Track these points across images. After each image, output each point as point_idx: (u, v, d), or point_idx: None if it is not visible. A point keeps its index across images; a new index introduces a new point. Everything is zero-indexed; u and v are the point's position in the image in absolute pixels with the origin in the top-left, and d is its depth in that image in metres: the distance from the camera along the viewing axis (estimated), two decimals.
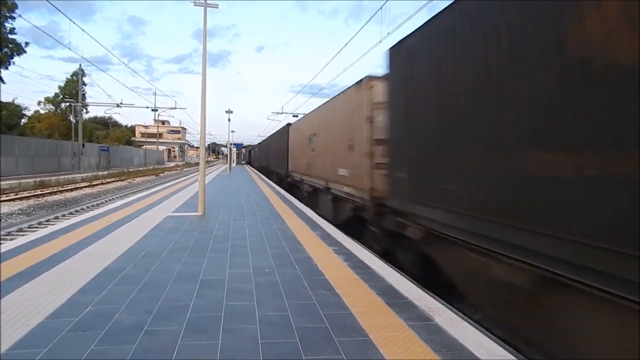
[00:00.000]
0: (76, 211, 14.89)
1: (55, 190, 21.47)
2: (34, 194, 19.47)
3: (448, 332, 3.17)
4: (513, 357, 2.81)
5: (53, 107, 53.23)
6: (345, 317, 3.43)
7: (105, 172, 36.32)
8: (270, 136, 32.64)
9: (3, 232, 10.63)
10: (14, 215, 14.04)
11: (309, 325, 3.26)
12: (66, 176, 29.12)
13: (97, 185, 26.64)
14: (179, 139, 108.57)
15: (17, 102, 47.66)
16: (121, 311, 3.44)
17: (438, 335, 3.10)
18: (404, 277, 4.75)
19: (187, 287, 4.12)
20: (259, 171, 38.85)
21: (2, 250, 5.45)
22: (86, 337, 2.94)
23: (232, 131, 49.76)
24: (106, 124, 79.04)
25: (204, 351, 2.78)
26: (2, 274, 4.38)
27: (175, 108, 47.59)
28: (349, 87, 9.13)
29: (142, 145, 78.57)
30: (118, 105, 42.72)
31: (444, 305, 3.83)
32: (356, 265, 5.17)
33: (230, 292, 4.03)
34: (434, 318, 3.45)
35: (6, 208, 15.35)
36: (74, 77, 49.48)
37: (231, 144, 43.75)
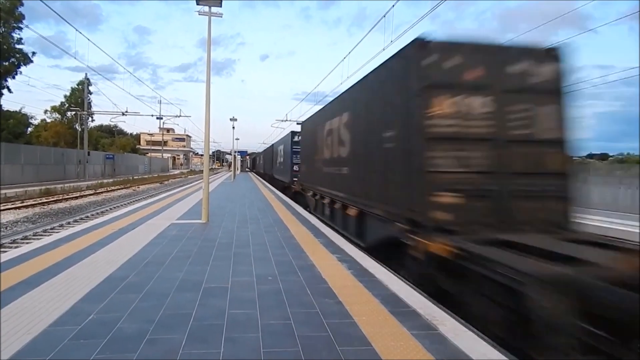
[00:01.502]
0: (81, 219, 14.94)
1: (60, 198, 21.58)
2: (40, 201, 19.58)
3: (452, 341, 3.13)
4: None
5: (59, 116, 53.71)
6: (348, 326, 3.40)
7: (111, 180, 36.51)
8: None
9: (9, 240, 10.67)
10: (19, 223, 14.11)
11: (311, 333, 3.24)
12: (71, 184, 29.29)
13: (102, 193, 26.77)
14: (184, 146, 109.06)
15: (24, 111, 48.13)
16: (123, 319, 3.44)
17: (442, 345, 3.07)
18: (408, 285, 4.71)
19: (190, 296, 4.11)
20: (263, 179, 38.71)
21: (7, 258, 5.47)
22: (88, 345, 2.93)
23: (237, 139, 50.03)
24: (111, 132, 79.63)
25: None
26: (6, 281, 4.40)
27: (180, 116, 47.76)
28: None
29: (147, 153, 79.00)
30: (123, 114, 43.01)
31: (448, 314, 3.79)
32: (360, 273, 5.14)
33: (233, 300, 4.01)
34: (438, 327, 3.41)
35: (12, 216, 15.43)
36: (80, 86, 49.96)
37: (235, 152, 43.89)
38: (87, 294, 4.09)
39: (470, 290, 4.29)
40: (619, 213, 13.47)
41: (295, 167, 19.49)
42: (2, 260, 5.34)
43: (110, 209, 18.25)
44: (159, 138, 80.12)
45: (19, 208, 17.27)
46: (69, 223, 13.82)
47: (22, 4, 34.57)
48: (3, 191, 20.61)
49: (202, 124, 10.03)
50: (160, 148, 79.72)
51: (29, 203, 18.76)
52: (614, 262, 3.65)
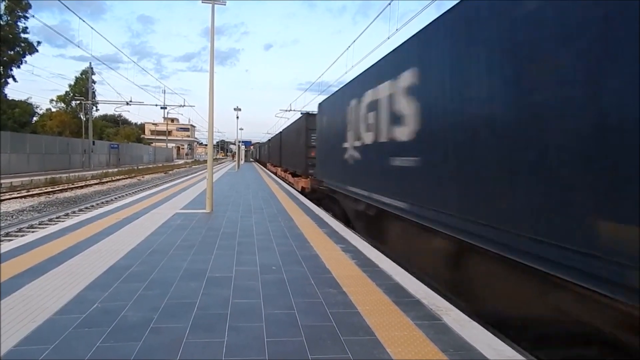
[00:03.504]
0: (86, 208, 15.03)
1: (65, 187, 21.71)
2: (45, 190, 19.69)
3: (456, 331, 3.12)
4: (523, 358, 2.75)
5: (64, 105, 53.84)
6: (352, 316, 3.40)
7: (115, 170, 36.66)
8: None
9: (15, 229, 10.76)
10: (25, 212, 14.22)
11: (315, 323, 3.24)
12: (76, 173, 29.44)
13: (106, 182, 26.90)
14: (188, 136, 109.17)
15: (30, 101, 48.25)
16: (127, 308, 3.45)
17: (446, 335, 3.06)
18: (412, 275, 4.70)
19: (194, 285, 4.11)
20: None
21: (13, 247, 5.51)
22: (92, 334, 2.94)
23: (241, 129, 50.04)
24: (116, 122, 79.76)
25: (209, 349, 2.77)
26: (11, 270, 4.42)
27: (184, 106, 47.94)
28: None
29: (152, 143, 79.19)
30: (128, 103, 43.09)
31: (452, 304, 3.77)
32: (363, 263, 5.14)
33: (237, 289, 4.02)
34: (442, 317, 3.40)
35: (18, 205, 15.55)
36: (84, 75, 49.99)
37: (239, 142, 43.88)
38: (92, 282, 4.10)
39: None
40: None
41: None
42: (8, 249, 5.37)
43: (115, 198, 18.34)
44: (163, 128, 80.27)
45: (24, 197, 17.41)
46: (74, 212, 13.91)
47: None
48: (9, 180, 20.76)
49: (206, 113, 9.97)
50: (164, 138, 79.87)
51: (34, 192, 18.89)
52: None
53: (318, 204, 11.61)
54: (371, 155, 7.43)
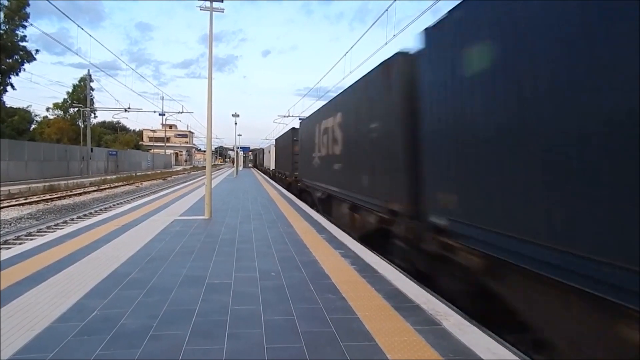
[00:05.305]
0: (84, 215, 15.00)
1: (64, 194, 21.67)
2: (43, 198, 19.65)
3: (456, 336, 3.12)
4: None
5: (62, 112, 53.81)
6: (352, 322, 3.40)
7: (114, 176, 36.61)
8: None
9: (13, 237, 10.74)
10: (23, 220, 14.18)
11: (314, 329, 3.24)
12: (75, 180, 29.40)
13: (105, 189, 26.84)
14: (187, 142, 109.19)
15: (30, 108, 48.25)
16: (127, 315, 3.44)
17: (446, 340, 3.06)
18: (411, 280, 4.71)
19: (193, 291, 4.11)
20: None
21: (12, 255, 5.50)
22: (92, 341, 2.94)
23: (239, 135, 50.06)
24: (114, 129, 79.73)
25: (209, 356, 2.77)
26: (10, 278, 4.42)
27: (183, 112, 47.91)
28: None
29: (150, 149, 79.15)
30: (126, 110, 43.10)
31: (452, 309, 3.78)
32: (363, 268, 5.14)
33: (236, 296, 4.02)
34: (442, 322, 3.40)
35: (16, 212, 15.51)
36: (82, 83, 50.05)
37: (238, 148, 43.91)
38: (91, 290, 4.10)
39: None
40: None
41: None
42: (7, 257, 5.36)
43: (114, 205, 18.31)
44: (161, 134, 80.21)
45: (22, 205, 17.36)
46: (72, 220, 13.89)
47: (28, 4, 34.76)
48: (7, 188, 20.72)
49: (205, 120, 10.00)
50: (163, 144, 79.83)
51: (32, 199, 18.84)
52: None
53: None
54: None
